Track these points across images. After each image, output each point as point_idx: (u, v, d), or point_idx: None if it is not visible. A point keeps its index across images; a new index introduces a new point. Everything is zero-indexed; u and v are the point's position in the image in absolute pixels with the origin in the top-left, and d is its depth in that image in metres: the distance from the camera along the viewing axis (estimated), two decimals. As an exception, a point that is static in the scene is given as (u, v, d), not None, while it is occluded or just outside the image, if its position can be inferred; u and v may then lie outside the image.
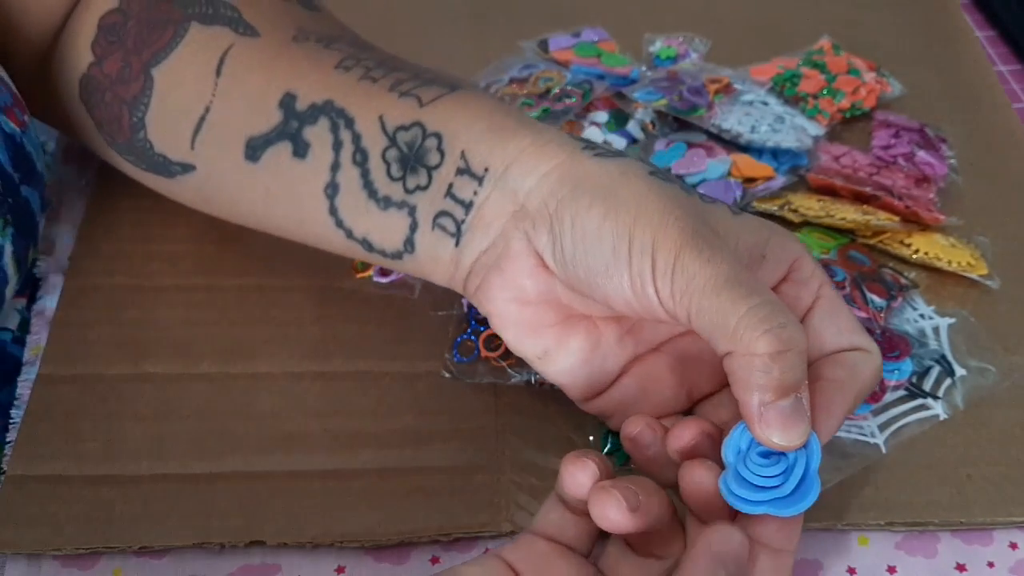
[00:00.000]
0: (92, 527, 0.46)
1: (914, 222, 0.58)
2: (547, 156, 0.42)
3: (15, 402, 0.51)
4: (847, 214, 0.57)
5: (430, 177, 0.44)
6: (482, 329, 0.52)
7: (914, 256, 0.56)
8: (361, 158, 0.45)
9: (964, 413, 0.51)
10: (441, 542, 0.47)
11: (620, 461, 0.47)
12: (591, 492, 0.37)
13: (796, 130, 0.61)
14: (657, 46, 0.69)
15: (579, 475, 0.38)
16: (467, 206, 0.43)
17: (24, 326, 0.55)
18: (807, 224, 0.57)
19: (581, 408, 0.46)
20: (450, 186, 0.43)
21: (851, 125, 0.64)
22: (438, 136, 0.43)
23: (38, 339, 0.53)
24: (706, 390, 0.45)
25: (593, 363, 0.44)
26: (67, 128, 0.55)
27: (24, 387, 0.51)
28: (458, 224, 0.43)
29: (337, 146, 0.45)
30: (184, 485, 0.48)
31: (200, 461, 0.49)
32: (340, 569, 0.46)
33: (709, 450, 0.39)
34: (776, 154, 0.61)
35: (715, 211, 0.41)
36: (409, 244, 0.45)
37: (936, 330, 0.54)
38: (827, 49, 0.67)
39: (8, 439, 0.49)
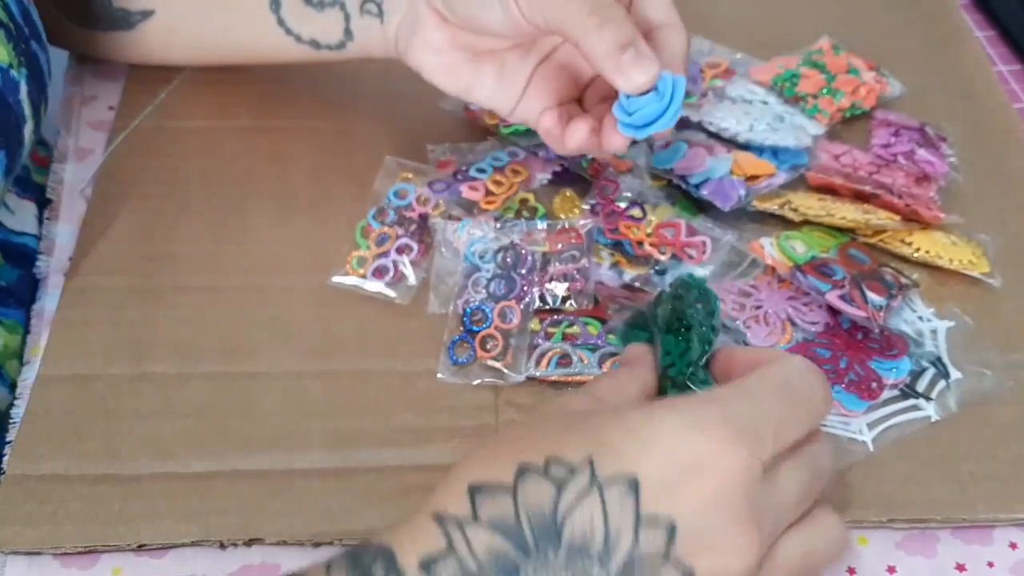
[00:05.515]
0: (92, 526, 0.46)
1: (914, 220, 0.58)
2: None
3: (15, 402, 0.51)
4: (847, 213, 0.57)
5: None
6: (476, 330, 0.52)
7: (915, 254, 0.56)
8: None
9: (966, 412, 0.51)
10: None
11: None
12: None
13: (795, 129, 0.61)
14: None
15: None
16: None
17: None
18: (807, 223, 0.57)
19: (510, 120, 0.55)
20: None
21: (851, 124, 0.64)
22: None
23: (38, 339, 0.53)
24: (586, 78, 0.55)
25: (505, 82, 0.53)
26: (50, 34, 0.57)
27: (24, 387, 0.51)
28: (379, 5, 0.54)
29: None
30: (184, 484, 0.48)
31: (200, 460, 0.49)
32: (340, 568, 0.46)
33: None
34: (776, 152, 0.61)
35: None
36: (348, 33, 0.55)
37: (934, 332, 0.54)
38: (827, 49, 0.67)
39: (8, 439, 0.49)
